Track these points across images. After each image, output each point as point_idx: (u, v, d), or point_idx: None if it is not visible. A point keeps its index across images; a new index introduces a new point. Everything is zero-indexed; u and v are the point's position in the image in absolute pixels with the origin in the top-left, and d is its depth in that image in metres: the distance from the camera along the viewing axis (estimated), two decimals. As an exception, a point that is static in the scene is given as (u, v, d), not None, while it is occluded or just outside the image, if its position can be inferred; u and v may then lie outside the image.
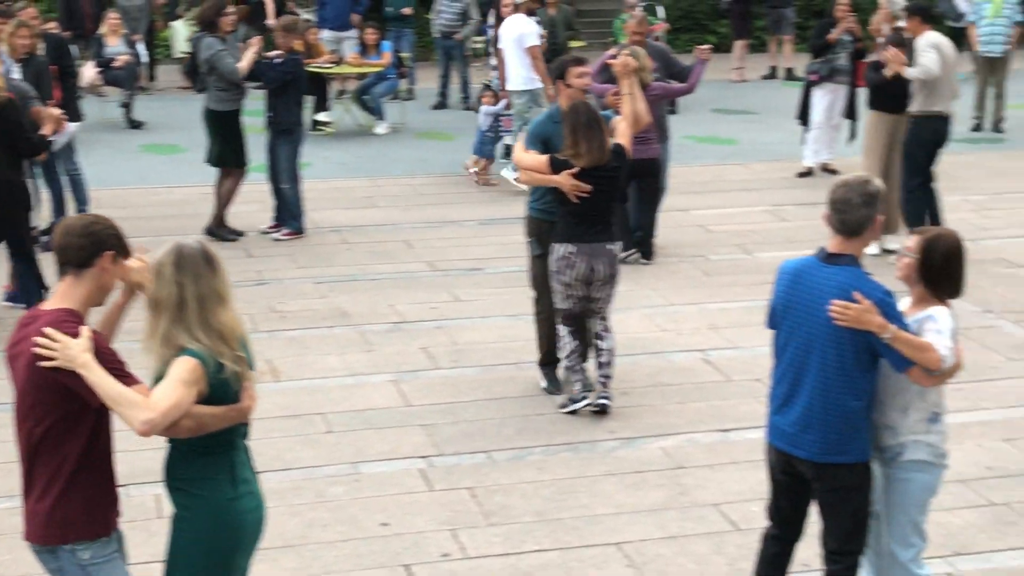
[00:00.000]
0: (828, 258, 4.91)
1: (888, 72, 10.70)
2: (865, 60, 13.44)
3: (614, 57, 11.02)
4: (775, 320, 5.08)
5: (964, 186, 13.37)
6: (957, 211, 12.09)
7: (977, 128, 16.50)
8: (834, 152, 14.05)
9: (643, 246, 10.85)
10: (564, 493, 6.76)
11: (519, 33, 13.40)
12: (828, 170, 13.89)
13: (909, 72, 10.61)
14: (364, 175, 14.11)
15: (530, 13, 13.85)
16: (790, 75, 20.11)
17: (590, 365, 7.86)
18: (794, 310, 4.94)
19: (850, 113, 13.81)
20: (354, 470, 7.04)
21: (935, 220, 10.71)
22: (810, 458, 4.93)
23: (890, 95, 10.88)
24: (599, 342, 7.73)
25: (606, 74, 10.87)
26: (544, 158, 7.56)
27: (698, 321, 9.30)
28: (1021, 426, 7.55)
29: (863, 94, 13.06)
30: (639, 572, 5.99)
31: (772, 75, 20.66)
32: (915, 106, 10.76)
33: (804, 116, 14.03)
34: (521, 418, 7.68)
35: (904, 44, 10.88)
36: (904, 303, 5.01)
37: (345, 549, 6.21)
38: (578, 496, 6.72)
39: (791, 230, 11.72)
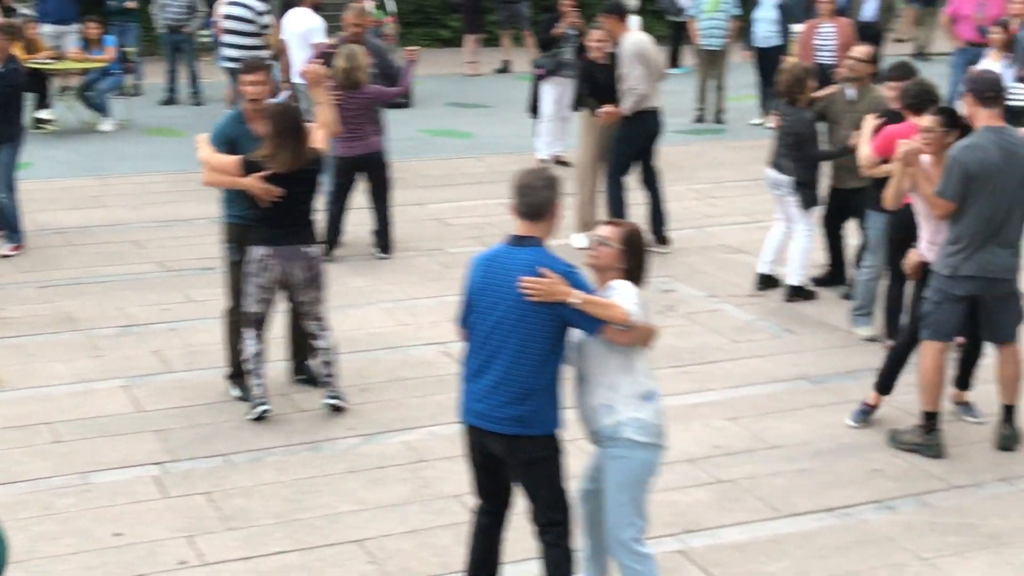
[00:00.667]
0: (516, 241, 5.17)
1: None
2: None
3: (326, 53, 11.00)
4: (469, 310, 5.25)
5: (688, 176, 13.87)
6: (682, 200, 12.54)
7: (700, 120, 17.13)
8: (565, 144, 14.37)
9: (381, 240, 10.85)
10: (305, 493, 6.70)
11: (306, 27, 13.16)
12: (560, 162, 14.19)
13: (625, 107, 10.77)
14: (90, 174, 13.64)
15: (316, 8, 13.64)
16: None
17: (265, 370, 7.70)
18: (487, 292, 5.15)
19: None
20: (84, 480, 6.80)
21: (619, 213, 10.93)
22: (501, 431, 5.14)
23: (599, 96, 10.97)
24: (317, 342, 7.63)
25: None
26: (235, 159, 7.39)
27: (437, 314, 9.35)
28: (745, 405, 7.89)
29: None
30: (381, 568, 5.99)
31: (505, 69, 20.95)
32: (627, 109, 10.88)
33: (535, 109, 14.30)
34: (258, 420, 7.57)
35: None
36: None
37: (75, 562, 5.99)
38: (320, 495, 6.67)
39: (525, 222, 11.89)
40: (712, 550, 6.18)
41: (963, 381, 7.72)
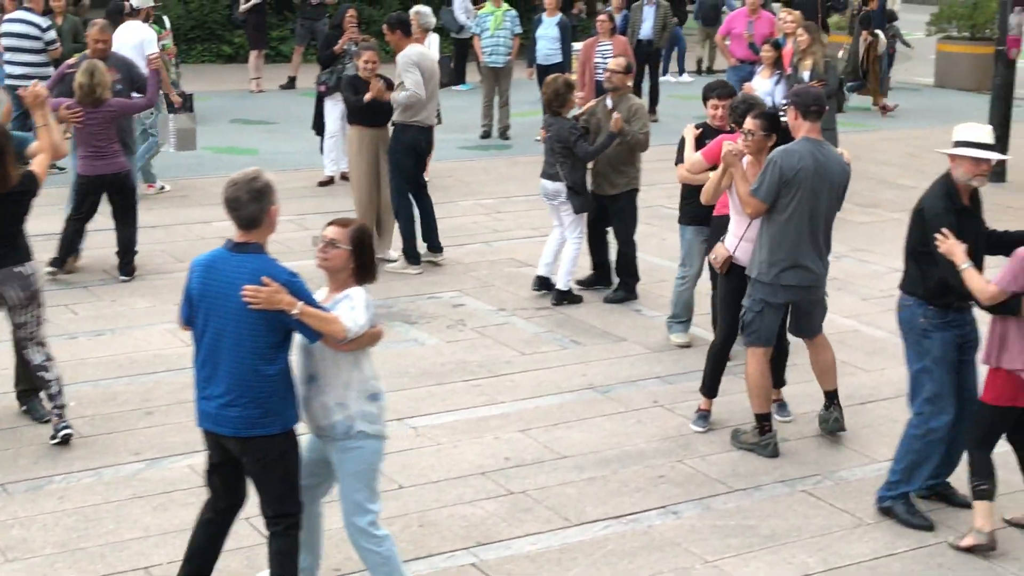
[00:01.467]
0: (235, 247, 5.33)
1: (367, 97, 10.84)
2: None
3: (66, 73, 10.71)
4: (190, 311, 5.40)
5: (476, 191, 14.00)
6: (470, 215, 12.65)
7: (486, 136, 17.30)
8: None
9: (124, 262, 10.54)
10: (88, 521, 6.50)
11: (139, 39, 12.73)
12: (347, 178, 14.15)
13: (395, 97, 10.76)
14: None
15: (147, 19, 13.21)
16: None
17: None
18: (208, 298, 5.29)
19: None
20: None
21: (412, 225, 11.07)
22: (235, 434, 5.30)
23: (370, 112, 11.00)
24: (44, 373, 7.36)
25: (63, 86, 10.53)
26: None
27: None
28: (535, 416, 8.00)
29: None
30: (170, 594, 5.86)
31: (291, 85, 20.77)
32: (396, 116, 10.90)
33: (319, 126, 14.22)
34: (38, 447, 7.31)
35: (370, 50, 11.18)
36: (322, 292, 5.49)
37: None
38: (103, 523, 6.48)
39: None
40: (505, 561, 6.24)
41: (777, 379, 8.02)
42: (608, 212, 10.32)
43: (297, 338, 5.35)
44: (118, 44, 12.20)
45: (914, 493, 6.79)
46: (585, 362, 8.96)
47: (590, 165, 10.20)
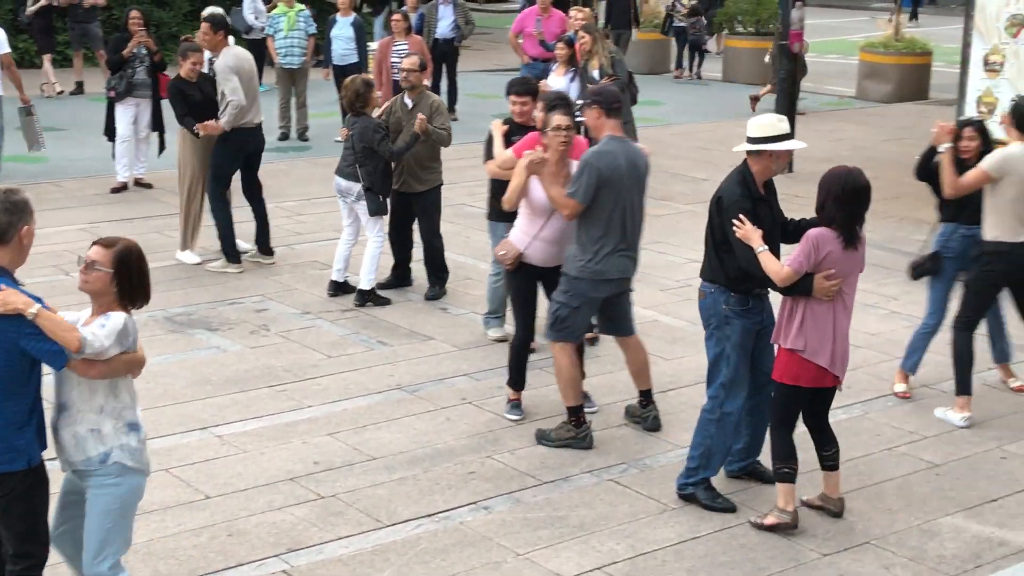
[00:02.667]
0: None
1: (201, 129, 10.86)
2: (166, 72, 13.56)
3: None
4: None
5: (277, 193, 13.79)
6: (272, 218, 12.45)
7: (284, 137, 17.12)
8: (147, 165, 14.05)
9: None
10: None
11: None
12: (141, 184, 13.89)
13: (223, 122, 10.78)
14: None
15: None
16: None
17: None
18: None
19: (156, 125, 13.85)
20: None
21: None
22: None
23: (200, 115, 10.96)
24: None
25: None
26: None
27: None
28: (342, 419, 7.97)
29: (168, 106, 13.22)
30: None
31: (79, 91, 20.17)
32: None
33: (111, 131, 13.88)
34: None
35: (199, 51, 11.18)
36: (85, 314, 5.12)
37: None
38: None
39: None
40: (316, 566, 6.20)
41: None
42: (414, 210, 10.36)
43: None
44: None
45: (727, 474, 7.06)
46: (392, 362, 8.97)
47: (394, 164, 10.22)
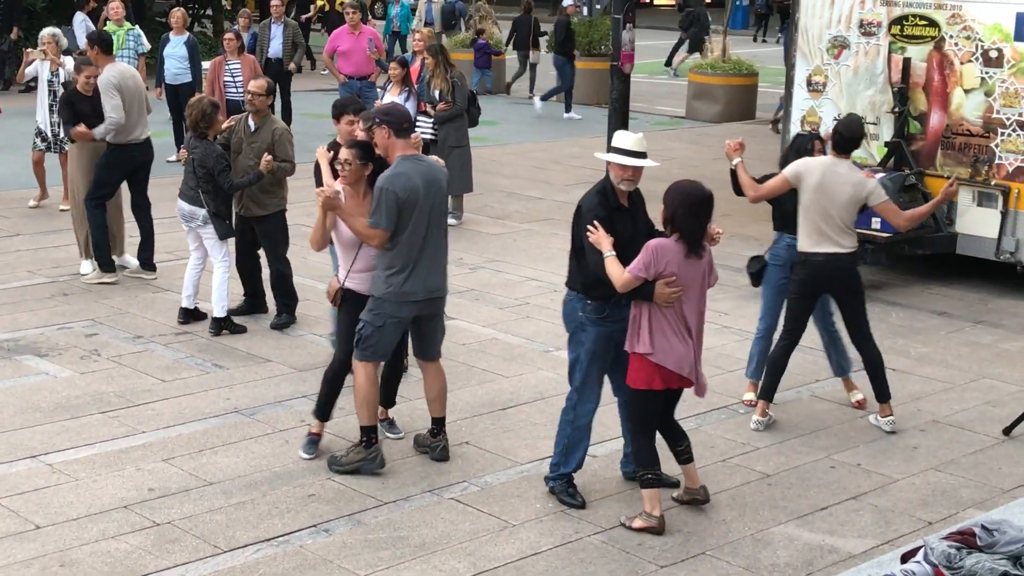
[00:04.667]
0: None
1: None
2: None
3: None
4: None
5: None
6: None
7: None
8: None
9: None
10: None
11: None
12: None
13: (98, 132, 10.93)
14: None
15: None
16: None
17: None
18: None
19: None
20: None
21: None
22: None
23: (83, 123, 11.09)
24: None
25: None
26: None
27: None
28: (177, 444, 7.81)
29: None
30: None
31: None
32: (108, 138, 11.03)
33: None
34: None
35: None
36: None
37: None
38: None
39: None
40: (153, 595, 6.08)
41: (388, 398, 8.08)
42: (256, 234, 10.23)
43: None
44: None
45: (623, 475, 7.36)
46: (229, 385, 8.84)
47: None
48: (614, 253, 6.69)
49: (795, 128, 12.58)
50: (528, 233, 13.19)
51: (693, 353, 6.83)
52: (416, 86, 13.27)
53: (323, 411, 7.80)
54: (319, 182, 8.76)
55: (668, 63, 29.50)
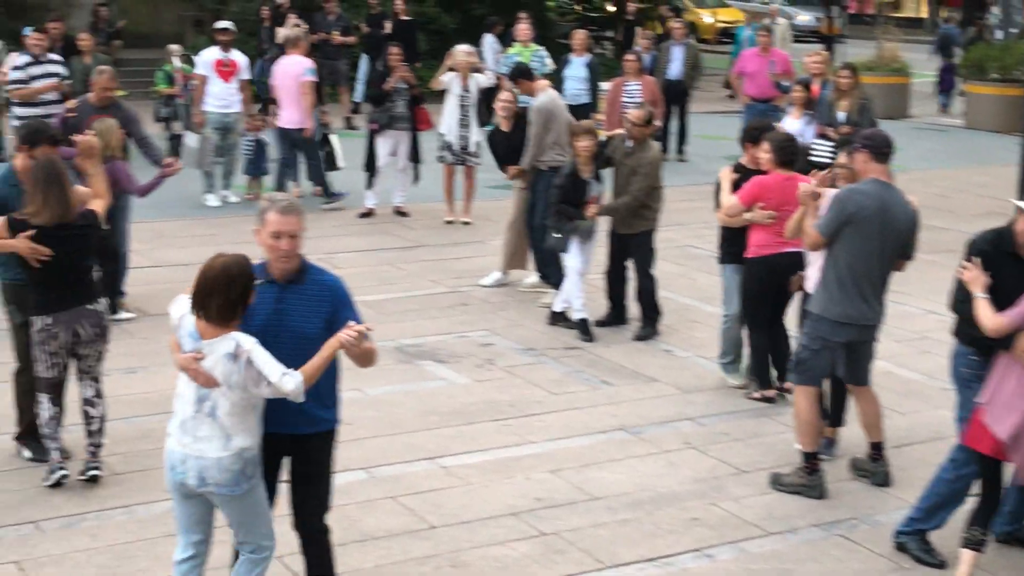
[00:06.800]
0: None
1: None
2: (423, 106, 14.12)
3: (66, 118, 10.67)
4: None
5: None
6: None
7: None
8: (404, 196, 14.60)
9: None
10: (121, 558, 6.49)
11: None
12: (401, 212, 14.59)
13: (523, 161, 11.36)
14: None
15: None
16: (349, 125, 20.38)
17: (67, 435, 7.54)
18: None
19: (414, 156, 14.32)
20: None
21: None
22: None
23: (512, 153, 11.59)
24: (89, 408, 7.38)
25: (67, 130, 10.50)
26: (1, 221, 7.10)
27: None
28: (565, 457, 7.95)
29: (426, 138, 13.73)
30: (202, 634, 5.83)
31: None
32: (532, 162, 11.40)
33: (371, 163, 14.39)
34: (71, 484, 7.30)
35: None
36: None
37: None
38: (136, 560, 6.48)
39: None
40: (537, 603, 6.20)
41: (836, 418, 8.03)
42: (627, 249, 10.43)
43: None
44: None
45: (995, 536, 6.68)
46: (616, 402, 8.93)
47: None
48: (987, 296, 6.20)
49: None
50: (929, 264, 12.63)
51: None
52: (816, 109, 13.01)
53: (834, 416, 7.96)
54: (718, 202, 8.83)
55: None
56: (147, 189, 10.30)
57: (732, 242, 8.88)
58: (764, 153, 8.59)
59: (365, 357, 5.33)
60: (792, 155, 8.56)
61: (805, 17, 39.32)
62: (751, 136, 9.01)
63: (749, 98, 16.76)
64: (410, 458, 7.86)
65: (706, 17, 37.77)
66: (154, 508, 7.05)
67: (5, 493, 7.18)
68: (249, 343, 5.13)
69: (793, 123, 12.51)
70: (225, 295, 5.12)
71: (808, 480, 7.41)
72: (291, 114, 14.38)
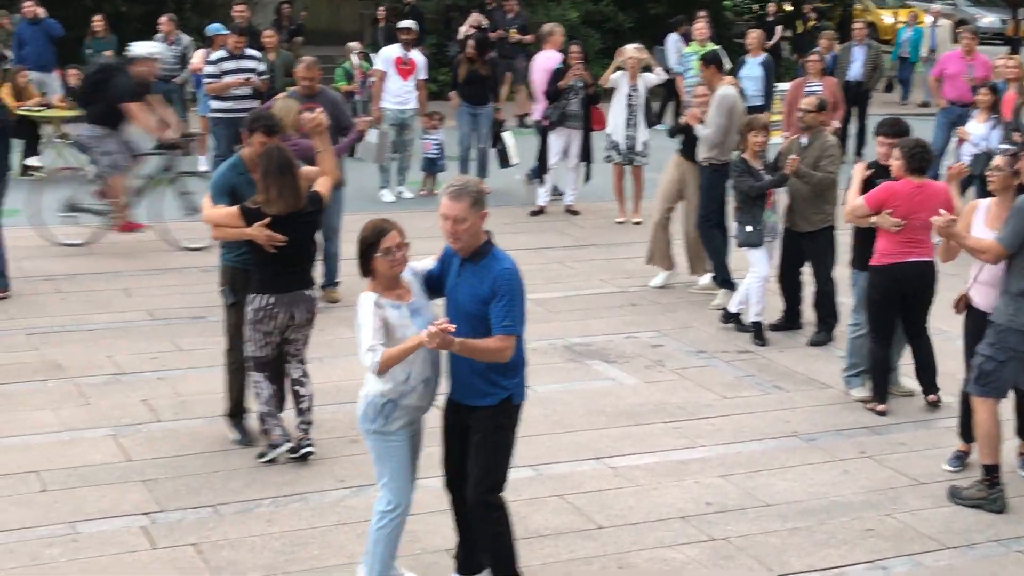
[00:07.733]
0: None
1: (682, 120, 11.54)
2: (599, 106, 14.10)
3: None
4: None
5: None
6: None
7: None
8: (577, 194, 14.66)
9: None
10: (295, 545, 6.63)
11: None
12: (571, 211, 14.64)
13: (699, 153, 11.19)
14: (79, 222, 13.53)
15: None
16: (522, 123, 20.50)
17: (286, 414, 7.75)
18: None
19: (585, 155, 14.32)
20: (71, 530, 6.72)
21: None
22: None
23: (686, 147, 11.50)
24: (299, 388, 7.63)
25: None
26: (234, 210, 7.35)
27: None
28: (736, 462, 7.85)
29: (599, 138, 13.73)
30: (372, 623, 5.92)
31: (521, 124, 20.95)
32: (705, 154, 11.18)
33: (543, 159, 14.47)
34: (249, 469, 7.51)
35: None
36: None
37: (63, 614, 5.91)
38: (309, 547, 6.61)
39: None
40: (705, 609, 6.13)
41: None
42: (804, 251, 10.17)
43: None
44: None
45: None
46: (789, 408, 8.78)
47: (785, 202, 10.15)
48: None
49: None
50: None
51: None
52: (1011, 116, 12.58)
53: (965, 431, 7.72)
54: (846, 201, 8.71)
55: None
56: (337, 149, 10.59)
57: (863, 245, 8.64)
58: (895, 160, 8.36)
59: (471, 353, 5.57)
60: (924, 162, 8.27)
61: (989, 19, 38.01)
62: (876, 131, 8.81)
63: (947, 101, 16.25)
64: (578, 457, 7.86)
65: (886, 18, 36.88)
66: (327, 497, 7.19)
67: (188, 477, 7.41)
68: (360, 308, 5.72)
69: (978, 127, 12.16)
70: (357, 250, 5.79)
71: (988, 493, 7.18)
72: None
